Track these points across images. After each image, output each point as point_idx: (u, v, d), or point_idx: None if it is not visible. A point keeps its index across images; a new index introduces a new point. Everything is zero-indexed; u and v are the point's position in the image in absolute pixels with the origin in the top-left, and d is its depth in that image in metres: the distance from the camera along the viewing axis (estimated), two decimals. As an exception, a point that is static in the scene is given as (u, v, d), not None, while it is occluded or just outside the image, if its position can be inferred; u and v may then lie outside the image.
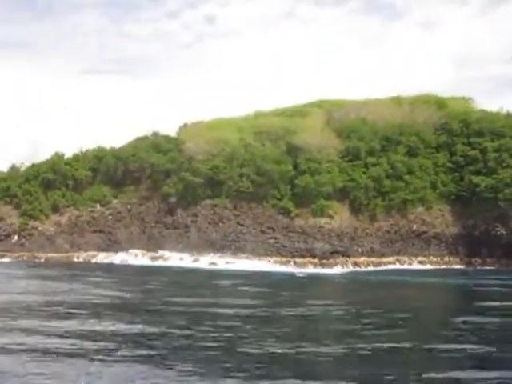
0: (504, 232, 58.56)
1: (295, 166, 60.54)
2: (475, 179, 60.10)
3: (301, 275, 44.08)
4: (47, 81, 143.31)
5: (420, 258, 57.94)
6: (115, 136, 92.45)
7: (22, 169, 64.50)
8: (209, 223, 58.49)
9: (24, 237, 58.58)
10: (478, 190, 59.43)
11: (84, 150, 64.50)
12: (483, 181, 59.67)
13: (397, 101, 71.72)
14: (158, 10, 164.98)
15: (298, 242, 55.62)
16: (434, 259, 58.40)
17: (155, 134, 66.41)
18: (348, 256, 55.40)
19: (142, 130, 68.17)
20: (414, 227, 60.09)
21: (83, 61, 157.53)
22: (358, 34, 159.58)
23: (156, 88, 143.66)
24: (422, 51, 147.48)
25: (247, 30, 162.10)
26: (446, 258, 58.85)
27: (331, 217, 58.16)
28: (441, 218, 61.14)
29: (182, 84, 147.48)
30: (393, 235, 59.43)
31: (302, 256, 54.38)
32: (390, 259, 56.66)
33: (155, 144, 64.40)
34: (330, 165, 60.52)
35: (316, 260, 53.80)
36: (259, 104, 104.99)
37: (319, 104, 75.82)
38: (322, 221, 57.35)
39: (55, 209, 60.74)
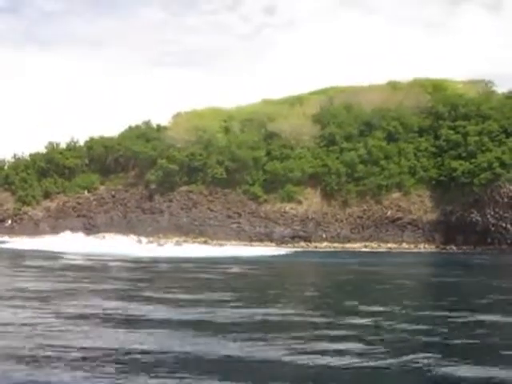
0: (479, 218, 56.45)
1: (269, 153, 61.26)
2: (454, 164, 58.34)
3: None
4: (111, 74, 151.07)
5: (390, 245, 56.94)
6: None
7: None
8: (181, 208, 60.56)
9: (15, 221, 63.25)
10: (454, 174, 57.69)
11: (75, 139, 68.37)
12: (461, 165, 57.79)
13: (393, 85, 70.66)
14: (217, 2, 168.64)
15: (260, 226, 56.55)
16: (407, 246, 57.24)
17: (146, 124, 69.12)
18: (309, 241, 55.59)
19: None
20: (389, 213, 59.15)
21: (146, 54, 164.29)
22: (422, 20, 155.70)
23: (203, 78, 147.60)
24: (487, 34, 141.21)
25: (307, 20, 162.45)
26: (421, 246, 57.51)
27: (299, 202, 58.51)
28: (419, 204, 59.76)
29: (233, 74, 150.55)
30: (365, 221, 58.85)
31: (261, 240, 55.21)
32: (356, 245, 56.14)
33: (142, 133, 67.21)
34: (302, 151, 60.77)
35: (273, 244, 54.39)
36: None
37: (324, 91, 75.72)
38: (288, 206, 57.86)
39: (47, 195, 64.99)
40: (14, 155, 68.99)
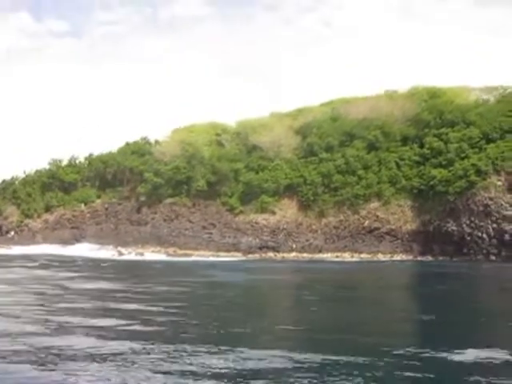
0: (455, 228, 54.46)
1: (247, 165, 62.15)
2: (434, 172, 56.86)
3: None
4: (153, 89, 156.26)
5: (364, 255, 55.95)
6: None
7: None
8: (164, 220, 62.49)
9: (17, 233, 67.51)
10: (432, 183, 56.16)
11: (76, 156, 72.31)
12: (440, 173, 56.23)
13: (389, 95, 69.81)
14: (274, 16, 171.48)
15: (229, 237, 57.33)
16: (382, 256, 56.05)
17: (144, 139, 71.92)
18: (278, 251, 55.74)
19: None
20: (366, 223, 58.22)
21: (204, 68, 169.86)
22: (477, 26, 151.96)
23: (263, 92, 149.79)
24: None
25: (363, 31, 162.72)
26: (398, 256, 56.17)
27: (273, 213, 58.81)
28: (399, 214, 58.44)
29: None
30: (341, 231, 58.24)
31: (228, 250, 55.98)
32: (328, 255, 55.63)
33: (139, 148, 70.05)
34: (279, 162, 61.15)
35: (240, 254, 55.00)
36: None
37: (331, 102, 75.81)
38: (261, 217, 58.32)
39: (48, 208, 68.91)
40: (24, 172, 73.81)
